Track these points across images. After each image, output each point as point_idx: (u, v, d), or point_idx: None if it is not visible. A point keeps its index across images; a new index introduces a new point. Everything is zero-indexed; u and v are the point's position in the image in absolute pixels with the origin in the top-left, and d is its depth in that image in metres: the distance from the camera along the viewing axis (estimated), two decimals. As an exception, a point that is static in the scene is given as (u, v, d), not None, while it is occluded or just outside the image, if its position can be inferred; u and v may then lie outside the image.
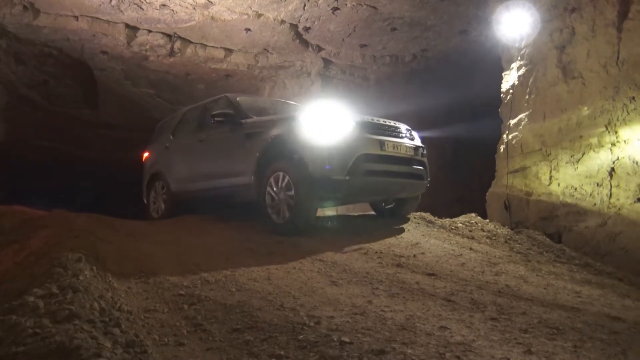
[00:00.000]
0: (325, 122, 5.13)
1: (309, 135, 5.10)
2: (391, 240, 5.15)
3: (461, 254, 4.79)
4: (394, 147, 5.39)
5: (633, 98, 5.33)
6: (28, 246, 4.45)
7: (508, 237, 5.69)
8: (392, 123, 5.75)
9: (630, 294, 4.22)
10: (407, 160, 5.56)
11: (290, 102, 7.81)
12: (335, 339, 2.46)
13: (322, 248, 4.64)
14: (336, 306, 3.06)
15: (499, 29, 7.05)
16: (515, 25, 6.74)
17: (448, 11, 8.04)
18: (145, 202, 7.80)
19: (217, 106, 6.71)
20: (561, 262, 5.08)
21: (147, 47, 9.27)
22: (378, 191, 5.68)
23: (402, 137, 5.64)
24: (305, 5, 7.89)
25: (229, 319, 2.82)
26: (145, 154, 8.15)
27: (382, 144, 5.28)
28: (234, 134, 6.05)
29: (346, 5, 7.83)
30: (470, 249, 5.08)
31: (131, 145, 15.07)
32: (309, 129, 5.14)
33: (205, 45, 9.43)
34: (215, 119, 6.16)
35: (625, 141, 5.40)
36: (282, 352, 2.34)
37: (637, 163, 5.28)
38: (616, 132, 5.46)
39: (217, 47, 9.49)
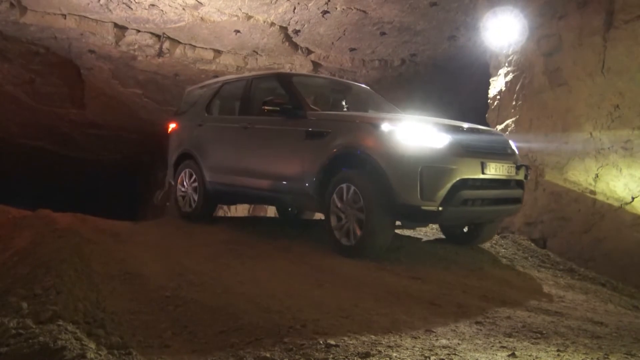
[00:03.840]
0: (415, 136, 4.18)
1: (396, 152, 4.15)
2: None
3: (446, 258, 4.82)
4: (495, 169, 4.42)
5: (617, 106, 5.41)
6: (12, 246, 4.40)
7: (493, 241, 5.73)
8: (492, 135, 4.85)
9: (613, 299, 4.28)
10: (507, 183, 4.65)
11: (360, 84, 6.61)
12: (322, 342, 2.46)
13: (311, 251, 4.64)
14: (322, 309, 3.06)
15: (487, 36, 7.12)
16: (503, 32, 6.81)
17: (437, 17, 8.09)
18: (173, 184, 6.67)
19: (267, 88, 5.66)
20: (546, 267, 5.12)
21: (136, 46, 9.22)
22: (469, 220, 4.94)
23: (503, 154, 4.70)
24: (295, 8, 7.89)
25: (215, 321, 2.81)
26: (172, 125, 6.87)
27: (483, 165, 4.30)
28: (290, 129, 5.00)
29: (336, 9, 7.85)
30: (456, 253, 5.11)
31: (118, 145, 15.00)
32: (396, 143, 4.17)
33: (195, 46, 9.40)
34: (266, 108, 5.00)
35: (609, 148, 5.47)
36: (268, 355, 2.34)
37: (620, 170, 5.36)
38: (601, 139, 5.54)
39: (206, 48, 9.47)
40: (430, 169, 4.09)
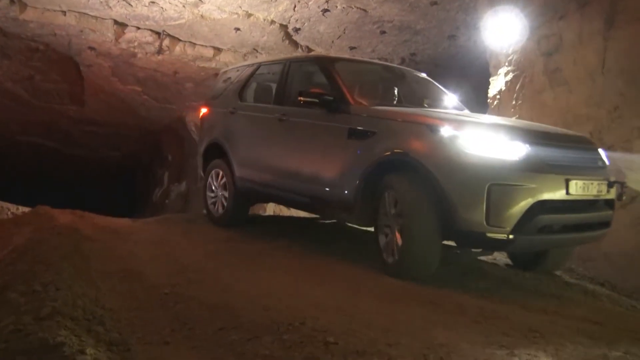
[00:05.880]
0: (484, 145, 3.44)
1: (458, 164, 3.44)
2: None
3: (445, 258, 4.81)
4: (583, 188, 3.61)
5: (617, 107, 5.41)
6: (11, 242, 4.39)
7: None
8: (579, 143, 4.03)
9: (612, 299, 4.28)
10: (595, 203, 3.84)
11: (415, 72, 5.80)
12: (321, 339, 2.47)
13: (310, 250, 4.64)
14: (321, 307, 3.06)
15: (487, 35, 7.11)
16: (503, 32, 6.80)
17: (437, 16, 8.09)
18: (202, 176, 6.12)
19: (306, 74, 5.03)
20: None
21: (136, 44, 9.21)
22: (543, 249, 4.23)
23: (593, 168, 3.88)
24: (295, 6, 7.89)
25: (214, 318, 2.81)
26: (204, 110, 6.24)
27: (567, 183, 3.51)
28: (330, 125, 4.35)
29: (336, 7, 7.84)
30: (455, 252, 5.11)
31: (117, 143, 15.00)
32: (458, 153, 3.46)
33: (194, 44, 9.39)
34: (302, 99, 4.35)
35: (609, 149, 5.47)
36: (267, 352, 2.34)
37: (620, 170, 5.36)
38: (601, 140, 5.54)
39: (206, 46, 9.46)
40: (501, 188, 3.36)
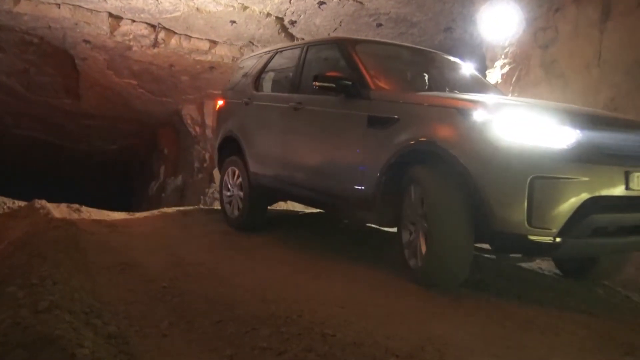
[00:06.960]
0: (525, 131, 2.94)
1: (493, 153, 2.96)
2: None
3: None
4: None
5: (613, 98, 5.42)
6: (7, 236, 4.40)
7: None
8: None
9: (606, 290, 4.30)
10: None
11: (446, 55, 5.24)
12: (318, 332, 2.48)
13: (307, 243, 4.65)
14: (319, 299, 3.07)
15: (483, 28, 7.11)
16: (499, 24, 6.79)
17: (433, 8, 8.07)
18: (218, 170, 5.82)
19: (326, 59, 4.59)
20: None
21: (131, 37, 9.16)
22: (596, 254, 3.77)
23: None
24: (291, -1, 7.87)
25: (212, 311, 2.82)
26: (220, 102, 5.91)
27: (627, 176, 3.00)
28: (347, 113, 3.92)
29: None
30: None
31: (113, 136, 14.96)
32: (493, 140, 2.97)
33: (190, 37, 9.35)
34: (318, 84, 3.92)
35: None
36: (265, 344, 2.35)
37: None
38: (596, 132, 5.55)
39: (201, 39, 9.43)
40: (547, 182, 2.86)
